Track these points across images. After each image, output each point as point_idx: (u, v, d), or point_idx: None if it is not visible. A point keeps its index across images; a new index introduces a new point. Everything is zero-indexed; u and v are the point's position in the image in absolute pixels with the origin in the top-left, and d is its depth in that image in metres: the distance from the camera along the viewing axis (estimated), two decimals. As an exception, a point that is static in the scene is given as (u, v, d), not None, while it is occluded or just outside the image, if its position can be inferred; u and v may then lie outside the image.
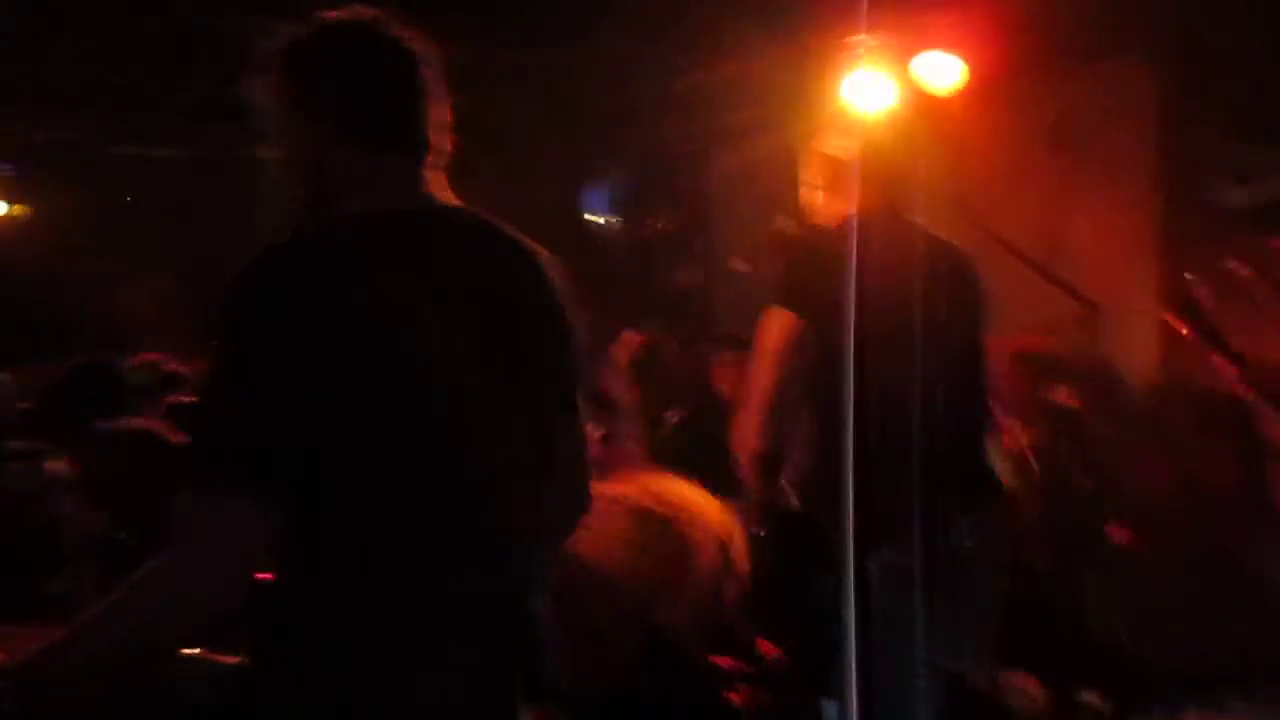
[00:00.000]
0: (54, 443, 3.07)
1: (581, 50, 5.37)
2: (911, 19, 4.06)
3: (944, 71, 4.17)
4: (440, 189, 1.67)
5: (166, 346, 4.76)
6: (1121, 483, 4.38)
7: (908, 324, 2.29)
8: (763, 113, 5.50)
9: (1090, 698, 3.76)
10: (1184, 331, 3.53)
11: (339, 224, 1.59)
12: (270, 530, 1.44)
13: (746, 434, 2.58)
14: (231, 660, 1.74)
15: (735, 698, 2.30)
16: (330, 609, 1.51)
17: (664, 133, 6.72)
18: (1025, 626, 3.64)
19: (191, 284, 5.29)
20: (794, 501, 2.61)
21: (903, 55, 4.00)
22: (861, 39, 3.18)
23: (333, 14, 1.66)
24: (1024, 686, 3.66)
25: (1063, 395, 4.45)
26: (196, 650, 1.74)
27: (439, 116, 1.67)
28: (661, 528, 2.19)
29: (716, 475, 2.53)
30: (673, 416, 4.63)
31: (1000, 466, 2.79)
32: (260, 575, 1.49)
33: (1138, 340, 4.72)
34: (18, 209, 7.28)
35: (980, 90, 4.25)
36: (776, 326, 2.55)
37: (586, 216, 7.56)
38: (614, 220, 7.67)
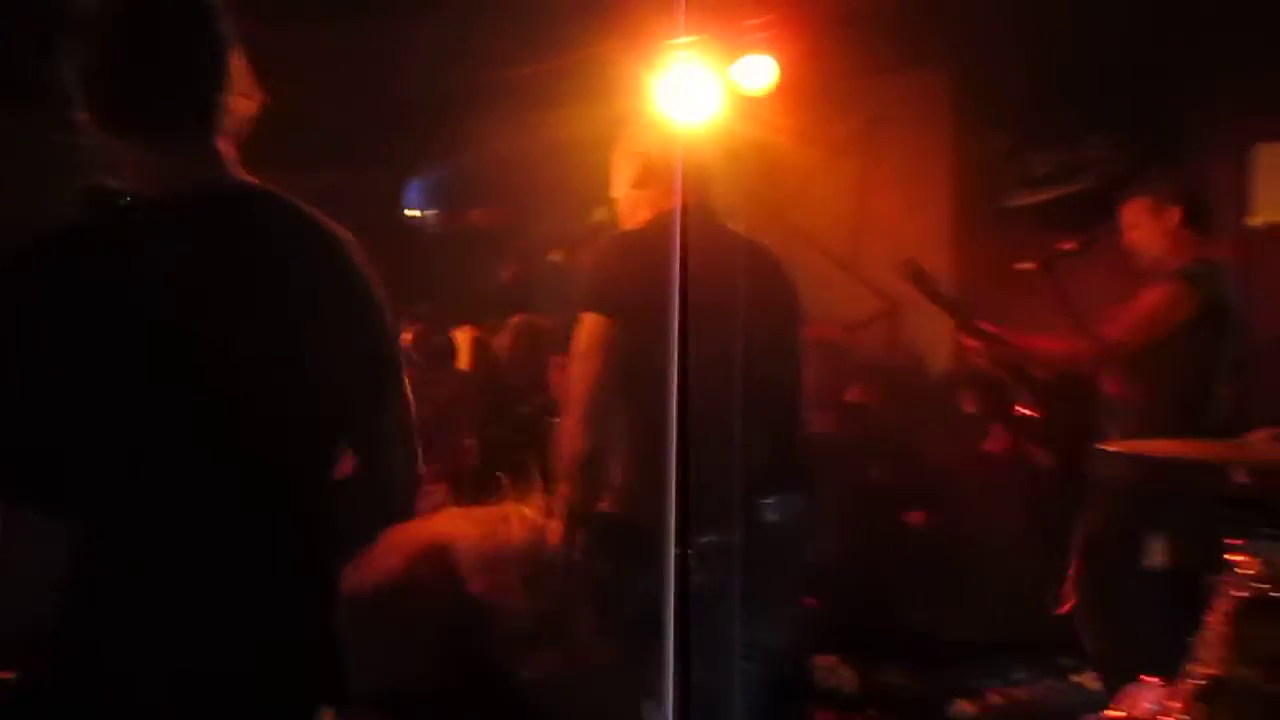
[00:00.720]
0: None
1: (400, 39, 5.27)
2: (729, 22, 4.15)
3: (759, 74, 4.29)
4: (232, 164, 1.57)
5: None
6: (915, 469, 4.62)
7: (725, 323, 2.34)
8: (579, 110, 5.52)
9: (895, 677, 3.95)
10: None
11: (104, 212, 1.49)
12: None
13: (565, 438, 2.58)
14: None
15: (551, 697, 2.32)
16: (90, 604, 1.46)
17: (481, 127, 6.66)
18: (833, 612, 3.80)
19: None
20: (615, 504, 2.62)
21: (720, 57, 4.10)
22: (679, 40, 3.23)
23: None
24: (834, 668, 3.82)
25: (856, 393, 4.67)
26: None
27: (228, 84, 1.55)
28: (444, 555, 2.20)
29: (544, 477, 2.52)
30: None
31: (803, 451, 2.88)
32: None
33: (933, 334, 4.97)
34: None
35: (794, 94, 4.40)
36: (587, 329, 2.56)
37: (405, 211, 7.43)
38: (430, 214, 7.55)
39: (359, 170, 6.71)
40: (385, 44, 5.40)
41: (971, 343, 3.72)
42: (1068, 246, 3.66)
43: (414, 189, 7.48)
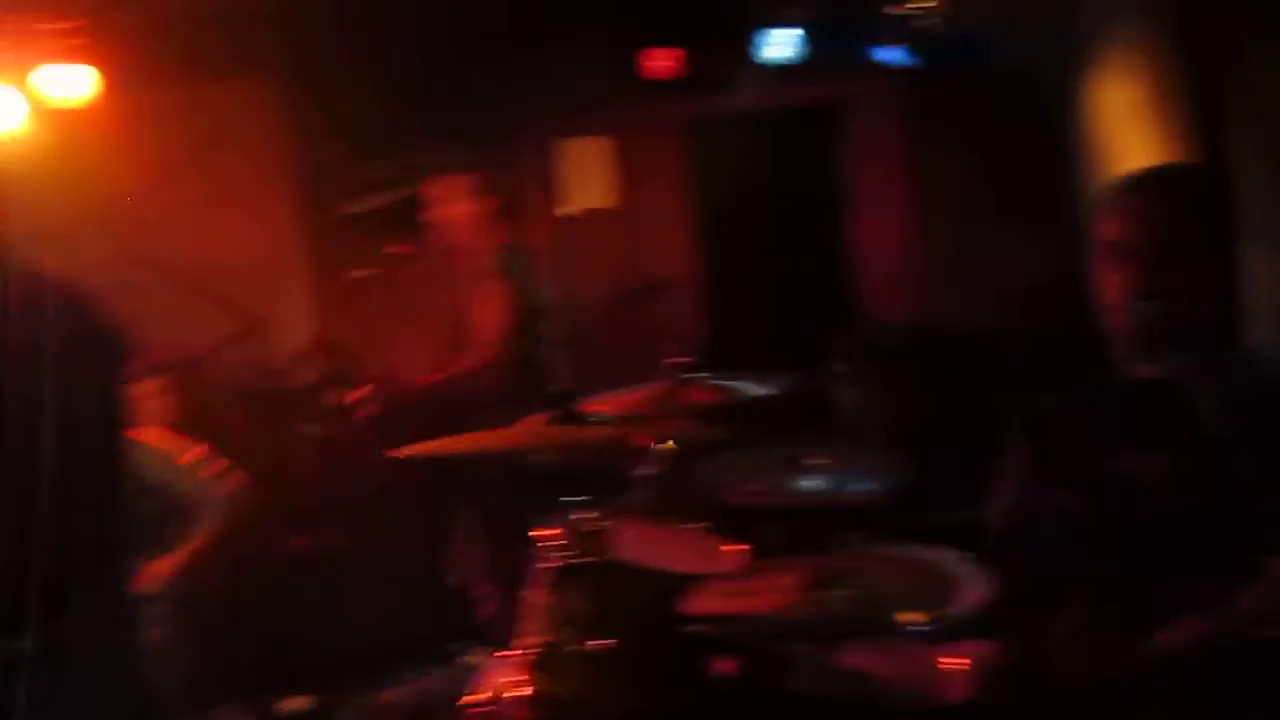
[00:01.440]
0: None
1: None
2: (31, 28, 3.73)
3: (73, 84, 3.91)
4: None
5: None
6: (313, 489, 4.54)
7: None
8: None
9: (293, 703, 3.84)
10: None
11: None
12: None
13: None
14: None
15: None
16: None
17: None
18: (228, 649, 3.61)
19: None
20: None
21: (22, 67, 3.68)
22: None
23: None
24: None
25: (231, 416, 4.46)
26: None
27: None
28: None
29: None
30: None
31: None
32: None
33: (297, 349, 4.90)
34: None
35: (120, 105, 4.07)
36: None
37: None
38: None
39: None
40: None
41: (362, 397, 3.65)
42: (400, 250, 3.75)
43: None
